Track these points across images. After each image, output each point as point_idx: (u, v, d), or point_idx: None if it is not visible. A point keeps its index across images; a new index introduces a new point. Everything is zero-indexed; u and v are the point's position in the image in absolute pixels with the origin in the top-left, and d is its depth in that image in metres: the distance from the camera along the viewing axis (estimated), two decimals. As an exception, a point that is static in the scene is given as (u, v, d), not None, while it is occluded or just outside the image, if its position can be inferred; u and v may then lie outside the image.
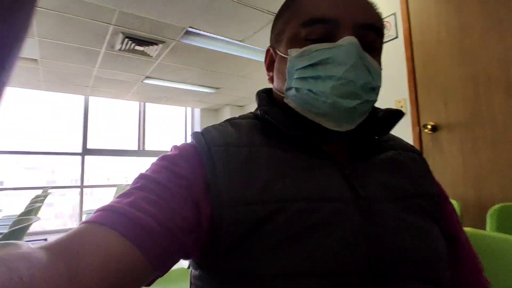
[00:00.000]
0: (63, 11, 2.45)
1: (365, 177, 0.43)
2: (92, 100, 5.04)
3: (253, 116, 0.51)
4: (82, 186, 4.76)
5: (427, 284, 0.38)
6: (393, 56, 1.96)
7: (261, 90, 0.54)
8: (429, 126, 1.75)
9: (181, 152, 0.43)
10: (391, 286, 0.36)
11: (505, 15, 1.51)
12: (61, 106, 5.06)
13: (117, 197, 0.37)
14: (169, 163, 0.41)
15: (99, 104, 5.17)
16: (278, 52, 0.49)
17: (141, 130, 5.54)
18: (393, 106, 1.99)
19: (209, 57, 3.47)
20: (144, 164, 5.39)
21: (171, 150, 0.45)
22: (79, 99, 4.95)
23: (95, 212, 0.35)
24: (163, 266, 0.35)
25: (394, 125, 0.48)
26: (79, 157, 4.84)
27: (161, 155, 0.44)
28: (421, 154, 0.53)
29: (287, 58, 0.46)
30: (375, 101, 0.45)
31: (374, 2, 0.47)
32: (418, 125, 1.83)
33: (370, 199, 0.40)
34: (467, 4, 1.66)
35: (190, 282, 0.46)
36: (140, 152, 5.44)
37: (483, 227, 1.13)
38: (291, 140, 0.44)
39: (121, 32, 2.81)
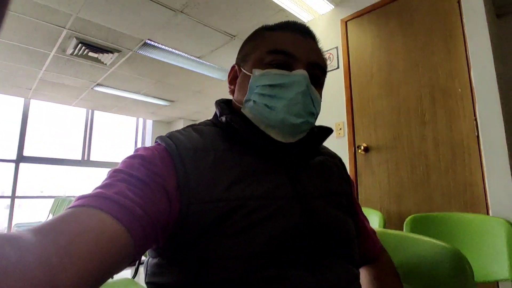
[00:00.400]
0: (11, 9, 2.34)
1: (304, 178, 0.53)
2: (34, 104, 4.70)
3: (211, 123, 0.58)
4: (14, 197, 4.33)
5: (343, 259, 0.51)
6: (334, 84, 2.22)
7: (219, 100, 0.62)
8: (362, 147, 2.00)
9: (154, 152, 0.46)
10: (320, 261, 0.47)
11: (420, 58, 1.83)
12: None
13: (98, 188, 0.39)
14: (145, 162, 0.44)
15: (42, 109, 4.83)
16: (242, 69, 0.58)
17: (87, 139, 5.25)
18: (333, 128, 2.23)
19: (165, 70, 3.51)
20: (88, 175, 5.08)
21: (139, 151, 0.47)
22: (18, 102, 4.59)
23: (78, 199, 0.36)
24: (141, 252, 0.38)
25: (326, 138, 0.62)
26: (13, 165, 4.43)
27: (132, 154, 0.46)
28: (341, 160, 0.68)
29: (250, 75, 0.55)
30: (313, 124, 0.58)
31: (323, 50, 0.61)
32: (353, 146, 2.08)
33: (306, 196, 0.51)
34: (393, 47, 1.98)
35: (146, 271, 0.50)
36: (84, 162, 5.12)
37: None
38: (251, 146, 0.52)
39: (75, 37, 2.75)
